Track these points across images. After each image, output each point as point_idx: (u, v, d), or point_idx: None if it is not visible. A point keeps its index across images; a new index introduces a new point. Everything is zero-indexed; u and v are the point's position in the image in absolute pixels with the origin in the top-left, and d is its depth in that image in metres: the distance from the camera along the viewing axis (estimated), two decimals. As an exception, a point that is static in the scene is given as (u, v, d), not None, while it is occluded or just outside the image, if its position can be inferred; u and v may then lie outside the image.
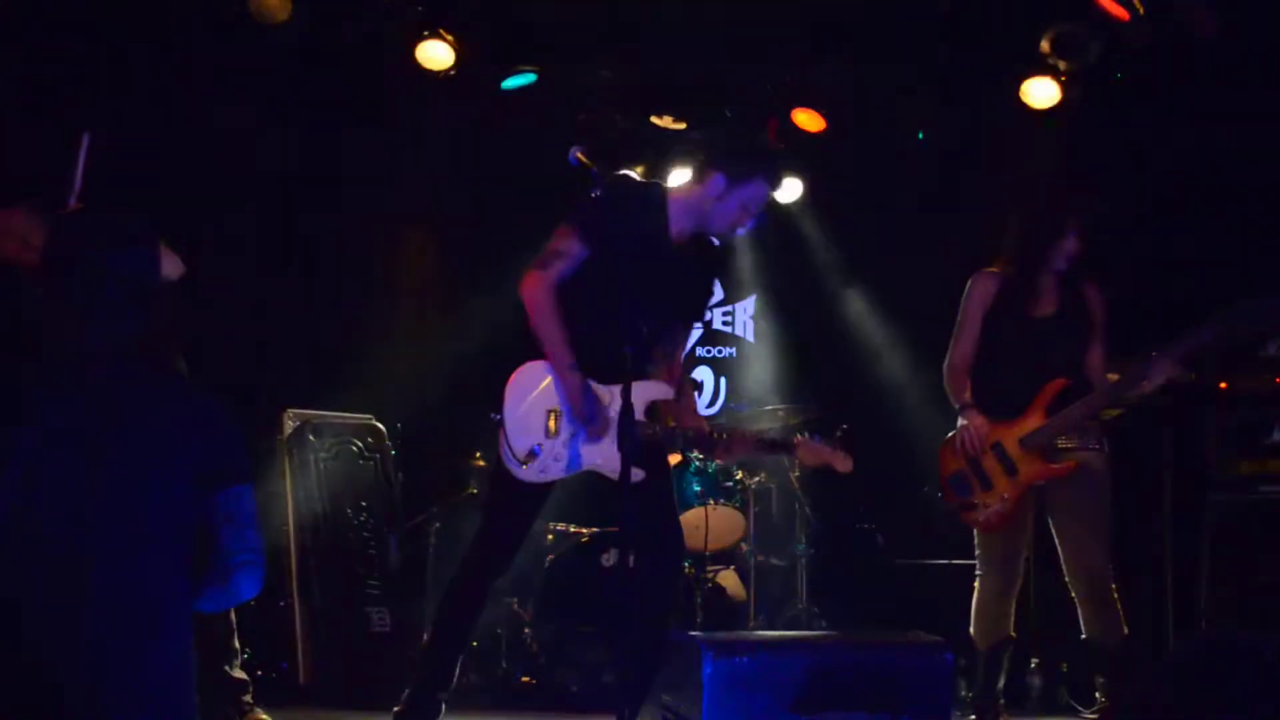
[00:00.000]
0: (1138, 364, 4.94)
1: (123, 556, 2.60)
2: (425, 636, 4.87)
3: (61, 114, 5.72)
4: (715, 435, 4.72)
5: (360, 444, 6.43)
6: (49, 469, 2.59)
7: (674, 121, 7.71)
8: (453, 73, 6.94)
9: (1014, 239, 5.27)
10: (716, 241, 4.53)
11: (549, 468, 4.51)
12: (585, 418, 4.45)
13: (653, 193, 4.67)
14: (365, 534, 6.29)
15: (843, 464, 4.64)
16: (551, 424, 4.51)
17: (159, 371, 2.84)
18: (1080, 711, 6.09)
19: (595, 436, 4.47)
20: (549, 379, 4.51)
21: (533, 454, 4.49)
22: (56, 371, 2.72)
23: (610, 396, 4.49)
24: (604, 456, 4.49)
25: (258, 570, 2.78)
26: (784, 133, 7.93)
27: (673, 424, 4.66)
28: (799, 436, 4.67)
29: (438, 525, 6.87)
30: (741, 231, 4.63)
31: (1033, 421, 5.10)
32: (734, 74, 7.74)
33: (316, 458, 6.18)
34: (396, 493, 6.55)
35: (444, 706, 4.58)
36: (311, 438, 6.19)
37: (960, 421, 5.22)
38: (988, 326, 5.26)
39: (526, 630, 6.37)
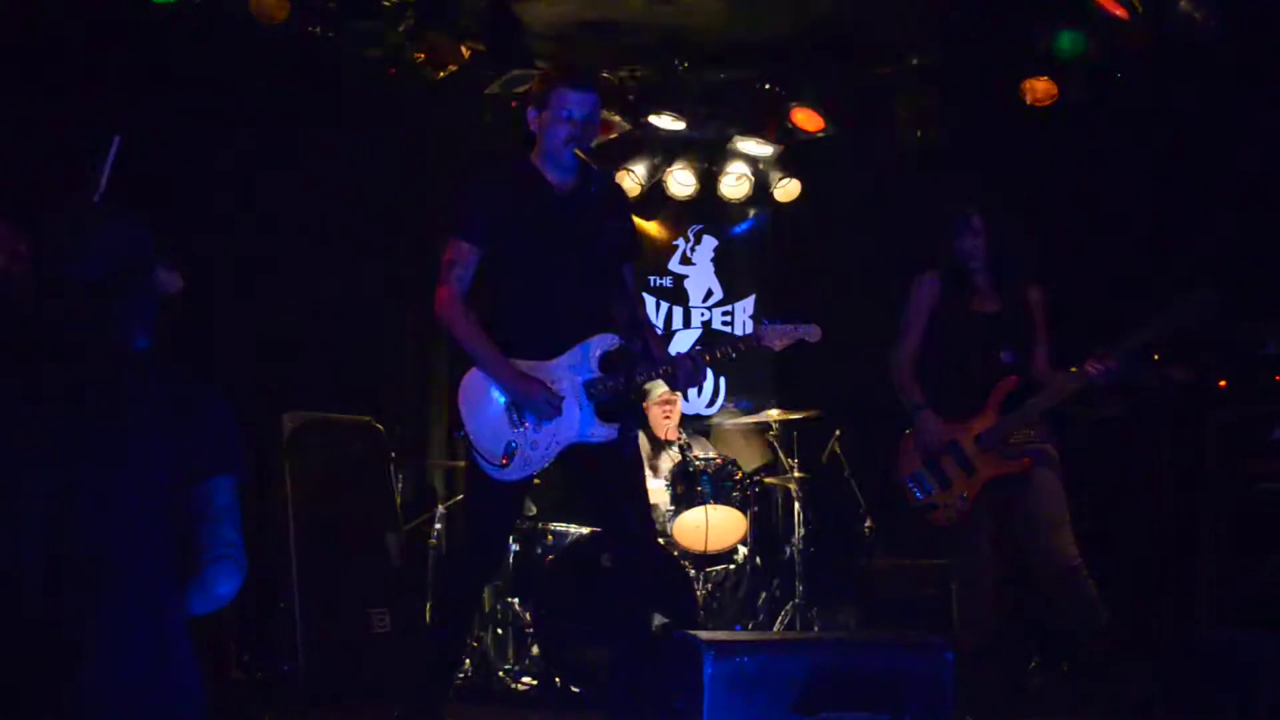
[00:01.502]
0: (1089, 361, 5.04)
1: (102, 558, 2.53)
2: (424, 644, 4.87)
3: (82, 117, 5.75)
4: (672, 366, 4.57)
5: (359, 444, 6.42)
6: (24, 473, 2.53)
7: (672, 121, 7.72)
8: (451, 74, 6.95)
9: (940, 242, 5.40)
10: (594, 188, 4.45)
11: (531, 458, 4.52)
12: (534, 408, 4.47)
13: (515, 163, 4.69)
14: (365, 535, 6.29)
15: (812, 335, 4.68)
16: (515, 417, 4.52)
17: (139, 365, 2.74)
18: (1080, 710, 6.09)
19: (550, 418, 4.49)
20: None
21: (510, 451, 4.49)
22: (28, 373, 2.66)
23: (555, 372, 4.53)
24: (576, 426, 4.53)
25: (233, 566, 2.68)
26: (782, 132, 7.94)
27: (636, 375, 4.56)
28: (759, 328, 4.69)
29: (438, 526, 6.87)
30: (589, 144, 4.52)
31: (987, 420, 5.22)
32: (732, 73, 7.75)
33: (316, 459, 6.17)
34: (396, 494, 6.55)
35: (445, 714, 4.60)
36: (310, 438, 6.18)
37: (916, 424, 5.33)
38: (933, 324, 5.41)
39: (527, 631, 6.37)
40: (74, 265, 2.71)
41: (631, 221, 4.82)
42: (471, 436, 4.52)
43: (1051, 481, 5.17)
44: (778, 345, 4.69)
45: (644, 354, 4.48)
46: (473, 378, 4.56)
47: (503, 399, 4.52)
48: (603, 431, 4.53)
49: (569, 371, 4.55)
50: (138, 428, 2.63)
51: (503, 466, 4.49)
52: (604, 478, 4.58)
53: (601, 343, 4.58)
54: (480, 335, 4.50)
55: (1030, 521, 5.16)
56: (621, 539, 4.67)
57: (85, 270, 2.71)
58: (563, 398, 4.49)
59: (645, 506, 4.73)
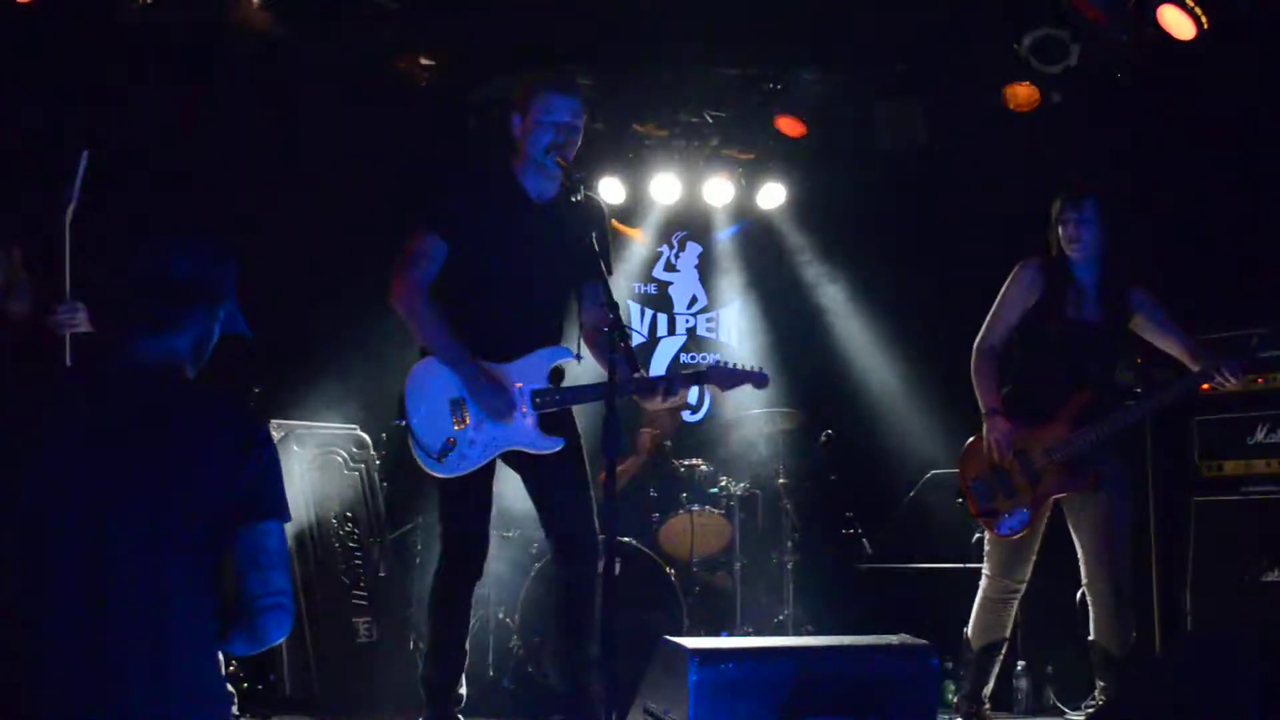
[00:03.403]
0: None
1: (143, 585, 2.52)
2: (421, 658, 4.86)
3: (55, 132, 5.74)
4: (630, 384, 4.51)
5: (344, 454, 6.41)
6: (69, 488, 2.52)
7: (656, 129, 7.72)
8: (432, 81, 6.96)
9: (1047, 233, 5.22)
10: (577, 198, 4.36)
11: (467, 455, 4.51)
12: (488, 407, 4.47)
13: (494, 167, 4.69)
14: (350, 544, 6.27)
15: (759, 382, 4.69)
16: (458, 413, 4.52)
17: (194, 393, 2.71)
18: (1066, 713, 6.10)
19: (499, 419, 4.49)
20: (445, 371, 4.52)
21: (447, 447, 4.49)
22: (82, 389, 2.65)
23: (508, 375, 4.53)
24: (519, 433, 4.53)
25: (284, 614, 2.65)
26: (766, 138, 7.95)
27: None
28: (708, 368, 4.73)
29: (423, 535, 6.86)
30: (571, 152, 4.50)
31: (1059, 431, 5.06)
32: (715, 80, 7.76)
33: (301, 468, 6.15)
34: (381, 503, 6.54)
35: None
36: (295, 448, 6.17)
37: (986, 428, 5.16)
38: (1025, 321, 5.19)
39: (514, 638, 6.36)
40: (148, 291, 2.69)
41: (606, 239, 4.73)
42: (413, 427, 4.52)
43: (1117, 501, 5.05)
44: (724, 386, 4.73)
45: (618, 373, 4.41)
46: (422, 367, 4.56)
47: (448, 395, 4.51)
48: (543, 443, 4.55)
49: (519, 378, 4.55)
50: (189, 459, 2.60)
51: (437, 462, 4.49)
52: (541, 485, 4.63)
53: (553, 355, 4.59)
54: (442, 325, 4.52)
55: (1089, 544, 5.06)
56: (559, 544, 4.70)
57: (160, 297, 2.70)
58: (517, 398, 4.52)
59: (588, 514, 4.67)
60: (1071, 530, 5.15)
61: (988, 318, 5.25)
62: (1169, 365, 5.18)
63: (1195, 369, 5.02)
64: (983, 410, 5.19)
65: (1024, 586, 5.23)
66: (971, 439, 5.28)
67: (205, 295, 2.75)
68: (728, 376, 4.68)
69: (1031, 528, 5.12)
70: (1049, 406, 5.10)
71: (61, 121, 5.85)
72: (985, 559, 5.28)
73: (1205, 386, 5.08)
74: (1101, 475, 5.03)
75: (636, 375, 4.48)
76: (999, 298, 5.24)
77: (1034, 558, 5.21)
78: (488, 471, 4.59)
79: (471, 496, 4.59)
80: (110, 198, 4.63)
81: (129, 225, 2.81)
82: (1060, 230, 5.12)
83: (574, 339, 4.65)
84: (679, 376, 4.62)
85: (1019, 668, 6.14)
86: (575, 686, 4.64)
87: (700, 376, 4.71)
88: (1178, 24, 5.95)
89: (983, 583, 5.28)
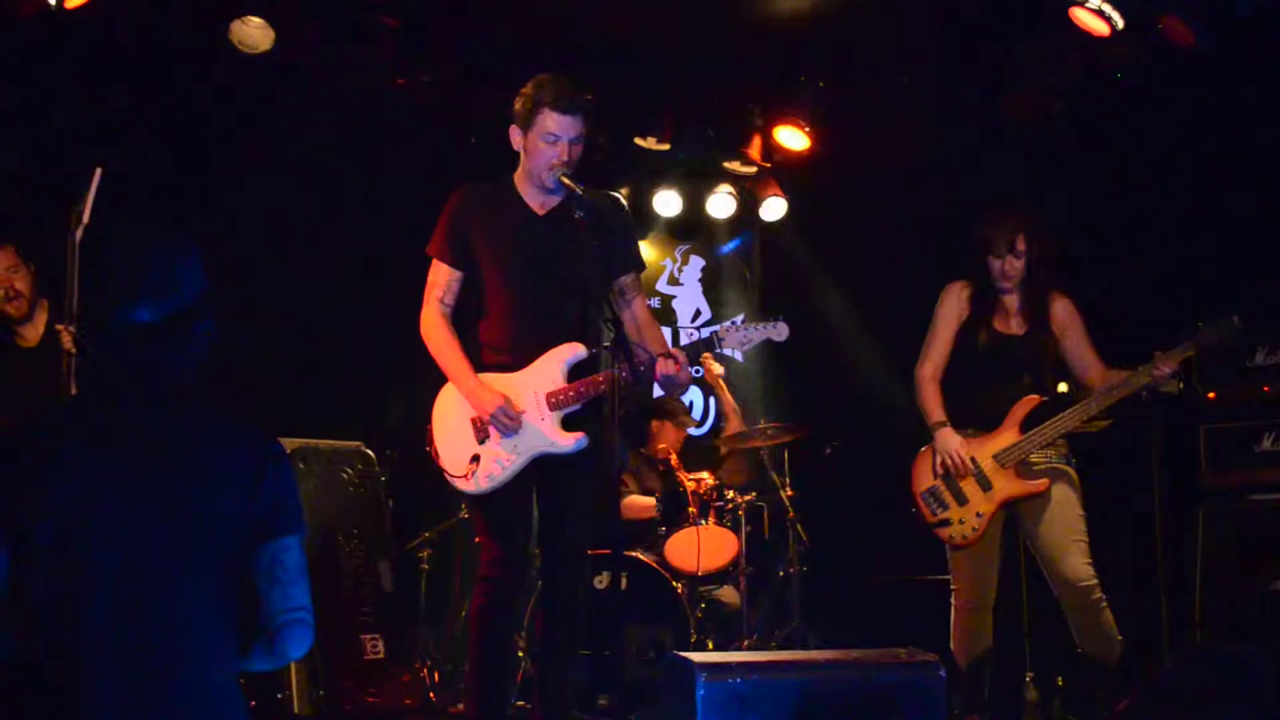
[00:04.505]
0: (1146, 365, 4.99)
1: (168, 609, 2.52)
2: (465, 676, 4.86)
3: (66, 149, 5.76)
4: (641, 369, 4.50)
5: (350, 470, 6.41)
6: (91, 521, 2.52)
7: (657, 143, 7.73)
8: (435, 98, 6.97)
9: (975, 255, 5.33)
10: (580, 213, 4.37)
11: (494, 470, 4.54)
12: (493, 420, 4.50)
13: (500, 184, 4.72)
14: (357, 561, 6.27)
15: (777, 333, 4.59)
16: (478, 430, 4.57)
17: (207, 412, 2.71)
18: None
19: (506, 431, 4.51)
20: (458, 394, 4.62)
21: (472, 464, 4.55)
22: (96, 419, 2.64)
23: (522, 383, 4.55)
24: (540, 437, 4.53)
25: (305, 630, 2.65)
26: (768, 152, 7.95)
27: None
28: (721, 329, 4.61)
29: (429, 551, 6.86)
30: (572, 167, 4.53)
31: (1008, 437, 5.17)
32: (718, 93, 7.77)
33: (307, 485, 6.15)
34: (387, 519, 6.54)
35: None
36: (301, 465, 6.17)
37: (936, 441, 5.27)
38: (959, 339, 5.33)
39: (520, 654, 6.35)
40: (143, 305, 2.66)
41: (626, 238, 4.78)
42: (439, 450, 4.62)
43: (1069, 503, 5.12)
44: (740, 348, 4.67)
45: (630, 368, 4.42)
46: (445, 392, 4.66)
47: (468, 414, 4.57)
48: (566, 442, 4.53)
49: (533, 384, 4.55)
50: (208, 480, 2.60)
51: (465, 480, 4.54)
52: (560, 487, 4.61)
53: (566, 354, 4.57)
54: (451, 349, 4.60)
55: (1045, 542, 5.12)
56: (550, 549, 4.71)
57: (153, 310, 2.67)
58: (522, 411, 4.51)
59: (586, 523, 4.67)
60: (1028, 543, 5.23)
61: (924, 345, 5.38)
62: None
63: (1098, 389, 5.10)
64: (930, 424, 5.29)
65: (992, 595, 5.26)
66: (920, 452, 5.36)
67: (199, 305, 2.75)
68: (743, 337, 4.59)
69: (988, 535, 5.19)
70: (995, 416, 5.20)
71: (73, 140, 5.88)
72: (951, 573, 5.34)
73: (1178, 386, 5.17)
74: (1052, 475, 5.12)
75: (639, 360, 4.45)
76: (932, 323, 5.39)
77: (998, 564, 5.26)
78: (523, 487, 4.60)
79: (504, 509, 4.60)
80: (112, 216, 4.65)
81: (123, 242, 2.77)
82: (994, 264, 5.24)
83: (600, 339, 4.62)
84: (694, 345, 4.61)
85: (1027, 679, 6.12)
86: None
87: (713, 342, 4.58)
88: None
89: (953, 598, 5.34)
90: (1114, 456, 6.07)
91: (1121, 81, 6.60)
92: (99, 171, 4.26)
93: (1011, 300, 5.31)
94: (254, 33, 6.31)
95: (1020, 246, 5.19)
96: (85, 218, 4.34)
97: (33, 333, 5.75)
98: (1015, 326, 5.30)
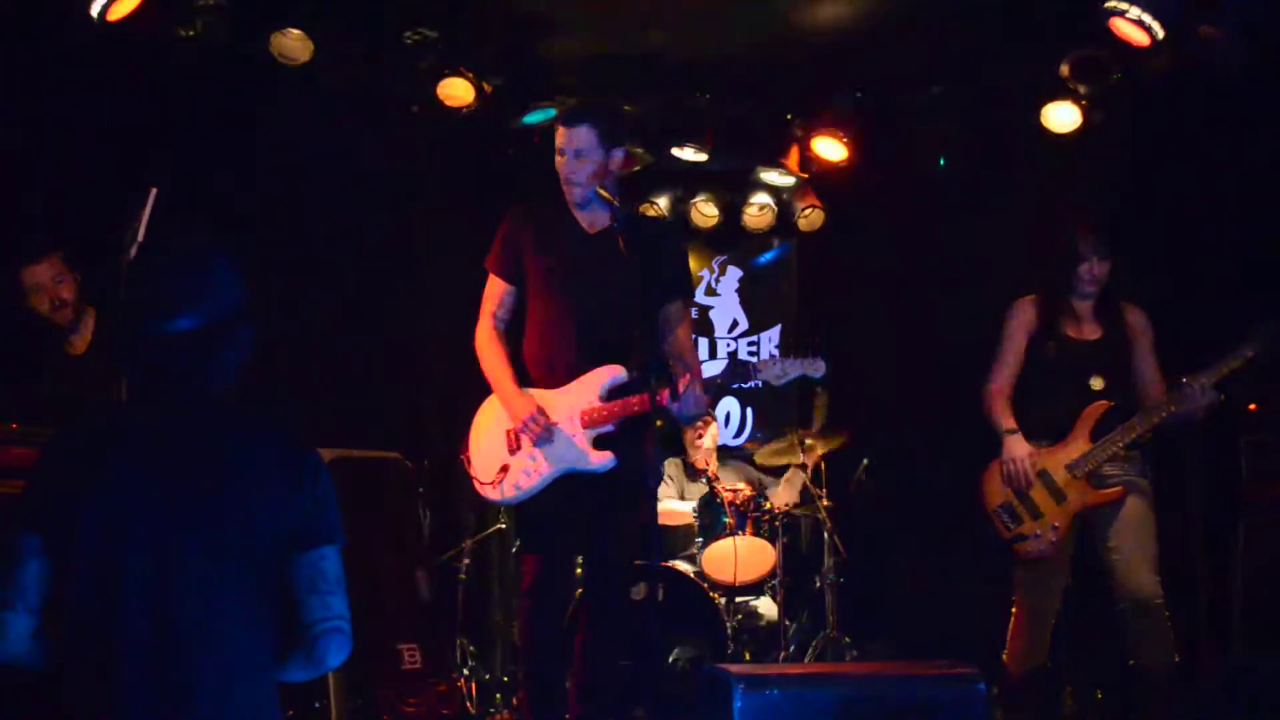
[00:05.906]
0: (1175, 390, 4.95)
1: (205, 619, 2.53)
2: (518, 692, 4.90)
3: (120, 167, 5.80)
4: (678, 389, 4.43)
5: (388, 481, 6.43)
6: (127, 529, 2.53)
7: (695, 153, 7.72)
8: (473, 110, 6.98)
9: (1040, 268, 5.29)
10: (616, 226, 4.44)
11: (520, 481, 4.61)
12: (522, 426, 4.57)
13: (556, 202, 4.75)
14: (395, 571, 6.28)
15: (815, 369, 4.49)
16: (512, 441, 4.64)
17: (246, 422, 2.73)
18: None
19: (533, 439, 4.57)
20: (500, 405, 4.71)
21: (500, 474, 4.63)
22: (135, 427, 2.65)
23: (561, 400, 4.60)
24: (570, 450, 4.57)
25: (343, 638, 2.65)
26: (805, 162, 7.94)
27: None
28: (760, 361, 4.52)
29: (467, 562, 6.87)
30: (583, 178, 4.58)
31: (1078, 446, 5.11)
32: (753, 103, 7.76)
33: (345, 495, 6.15)
34: (425, 529, 6.56)
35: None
36: (339, 476, 6.17)
37: (1004, 450, 5.20)
38: (1029, 351, 5.29)
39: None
40: (182, 314, 2.67)
41: (676, 264, 4.80)
42: (472, 456, 4.73)
43: (1142, 513, 5.08)
44: (776, 381, 4.50)
45: (671, 392, 4.40)
46: (488, 403, 4.76)
47: (505, 425, 4.65)
48: (596, 461, 4.55)
49: (569, 401, 4.58)
50: (246, 490, 2.62)
51: (490, 487, 4.63)
52: (590, 506, 4.61)
53: (605, 375, 4.58)
54: (496, 360, 4.70)
55: (1118, 554, 5.07)
56: (589, 565, 4.83)
57: (193, 319, 2.68)
58: (554, 423, 4.56)
59: (622, 543, 4.64)
60: (1098, 548, 5.16)
61: (994, 361, 5.35)
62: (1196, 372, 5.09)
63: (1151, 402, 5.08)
64: (1001, 433, 5.23)
65: (1057, 609, 5.22)
66: (988, 468, 5.30)
67: (237, 314, 2.76)
68: (780, 371, 4.46)
69: (1061, 547, 5.13)
70: (1065, 425, 5.15)
71: (128, 157, 5.92)
72: (1016, 584, 5.27)
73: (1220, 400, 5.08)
74: (1126, 486, 5.07)
75: (670, 391, 4.40)
76: (1001, 338, 5.36)
77: (1067, 576, 5.22)
78: (561, 503, 4.62)
79: (551, 526, 4.65)
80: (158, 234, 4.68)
81: (161, 252, 2.79)
82: (1080, 266, 5.19)
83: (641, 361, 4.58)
84: (729, 373, 4.52)
85: (1066, 693, 6.09)
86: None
87: (749, 372, 4.47)
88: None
89: (1015, 609, 5.28)
90: (1154, 468, 6.02)
91: (1161, 91, 6.55)
92: (154, 191, 4.27)
93: (1084, 306, 5.27)
94: (293, 45, 6.35)
95: (1106, 249, 5.17)
96: (140, 236, 4.36)
97: (80, 341, 5.80)
98: (1089, 332, 5.25)
